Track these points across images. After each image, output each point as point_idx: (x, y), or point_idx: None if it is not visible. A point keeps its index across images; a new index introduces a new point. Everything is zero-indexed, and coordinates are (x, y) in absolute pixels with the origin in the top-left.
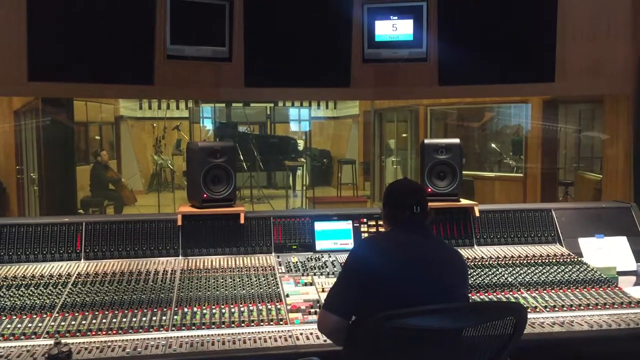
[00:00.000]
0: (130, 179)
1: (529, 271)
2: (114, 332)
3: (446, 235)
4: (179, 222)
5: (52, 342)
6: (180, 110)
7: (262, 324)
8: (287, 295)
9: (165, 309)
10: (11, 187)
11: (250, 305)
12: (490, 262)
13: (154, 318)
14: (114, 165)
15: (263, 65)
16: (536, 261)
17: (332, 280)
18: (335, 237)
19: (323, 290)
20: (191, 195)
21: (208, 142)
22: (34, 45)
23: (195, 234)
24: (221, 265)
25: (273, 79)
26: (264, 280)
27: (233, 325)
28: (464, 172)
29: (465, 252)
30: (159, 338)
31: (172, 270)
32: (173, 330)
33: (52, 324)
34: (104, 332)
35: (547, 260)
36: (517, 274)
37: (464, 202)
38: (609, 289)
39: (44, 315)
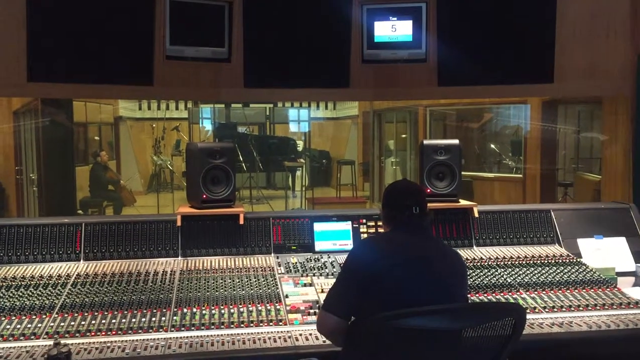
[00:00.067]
0: (130, 180)
1: (528, 272)
2: (114, 332)
3: (445, 236)
4: (179, 223)
5: (51, 342)
6: (179, 110)
7: (261, 324)
8: (287, 296)
9: (164, 310)
10: (10, 187)
11: (249, 305)
12: (490, 263)
13: (154, 319)
14: (113, 165)
15: (262, 66)
16: (535, 262)
17: (332, 281)
18: (335, 238)
19: (322, 291)
20: (190, 195)
21: (207, 143)
22: (34, 46)
23: (194, 234)
24: (220, 265)
25: (272, 80)
26: (264, 280)
27: (232, 325)
28: (463, 173)
29: (464, 253)
30: (158, 339)
31: (171, 271)
32: (172, 330)
33: (52, 324)
34: (104, 333)
35: (546, 261)
36: (516, 275)
37: (463, 202)
38: (608, 289)
39: (44, 316)
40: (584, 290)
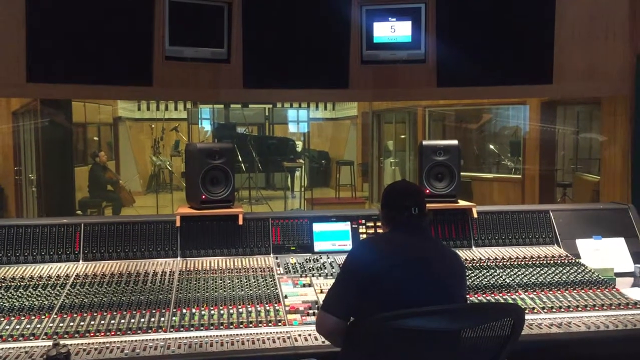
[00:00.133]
0: (129, 180)
1: (526, 272)
2: (113, 333)
3: (444, 237)
4: (178, 223)
5: (50, 343)
6: (178, 111)
7: (260, 325)
8: (286, 297)
9: (163, 310)
10: (9, 188)
11: (248, 306)
12: (488, 264)
13: (153, 319)
14: (113, 166)
15: (262, 67)
16: (534, 262)
17: (331, 282)
18: (334, 239)
19: (321, 292)
20: (190, 196)
21: (207, 144)
22: (33, 46)
23: (193, 235)
24: (220, 266)
25: (271, 81)
26: (263, 281)
27: (231, 326)
28: (462, 174)
29: (463, 254)
30: (157, 339)
31: (170, 272)
32: (171, 331)
33: (51, 325)
34: (103, 334)
35: (544, 262)
36: (515, 275)
37: (462, 203)
38: (607, 290)
39: (43, 317)
40: (583, 291)
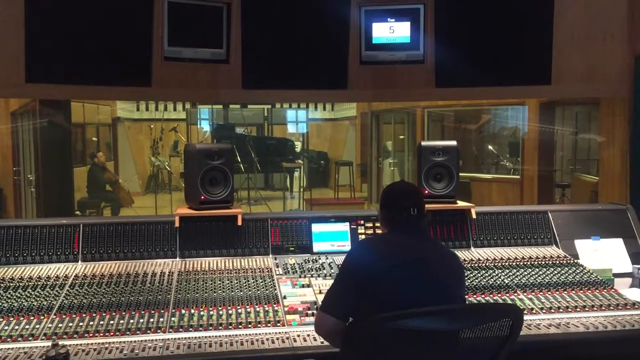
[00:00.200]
0: (128, 181)
1: (525, 273)
2: (112, 333)
3: (443, 237)
4: (177, 224)
5: (49, 343)
6: (177, 111)
7: (259, 325)
8: (285, 297)
9: (162, 311)
10: (8, 188)
11: (247, 307)
12: (487, 264)
13: (152, 320)
14: (111, 166)
15: (260, 67)
16: (532, 263)
17: (330, 282)
18: (333, 239)
19: (320, 292)
20: (189, 197)
21: (205, 144)
22: (32, 46)
23: (192, 235)
24: (218, 267)
25: (270, 81)
26: (261, 282)
27: (230, 327)
28: (461, 174)
29: (462, 254)
30: (156, 340)
31: (169, 272)
32: (170, 332)
33: (50, 325)
34: (102, 334)
35: (543, 262)
36: (514, 276)
37: (460, 204)
38: (605, 290)
39: (42, 317)
40: (581, 292)
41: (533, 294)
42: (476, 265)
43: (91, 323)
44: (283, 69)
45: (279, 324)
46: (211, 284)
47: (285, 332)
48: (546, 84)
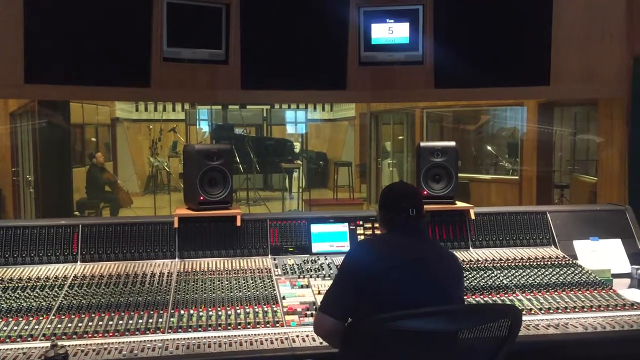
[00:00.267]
0: (126, 181)
1: (524, 273)
2: (111, 334)
3: (442, 238)
4: (176, 225)
5: (48, 344)
6: (176, 112)
7: (258, 326)
8: (284, 298)
9: (161, 311)
10: (7, 189)
11: (246, 307)
12: (486, 265)
13: (151, 320)
14: (110, 167)
15: (259, 68)
16: (531, 264)
17: (328, 283)
18: (332, 240)
19: (319, 293)
20: (188, 197)
21: (204, 145)
22: (31, 47)
23: (191, 236)
24: (217, 267)
25: (269, 82)
26: (260, 282)
27: (229, 327)
28: (459, 175)
29: (460, 255)
30: (155, 340)
31: (168, 273)
32: (169, 332)
33: (49, 326)
34: (101, 335)
35: (542, 263)
36: (512, 277)
37: (459, 204)
38: (604, 291)
39: (41, 318)
40: (580, 292)
41: (532, 294)
42: (475, 265)
43: (90, 323)
44: (282, 70)
45: (278, 325)
46: (210, 284)
47: (284, 333)
48: (545, 84)
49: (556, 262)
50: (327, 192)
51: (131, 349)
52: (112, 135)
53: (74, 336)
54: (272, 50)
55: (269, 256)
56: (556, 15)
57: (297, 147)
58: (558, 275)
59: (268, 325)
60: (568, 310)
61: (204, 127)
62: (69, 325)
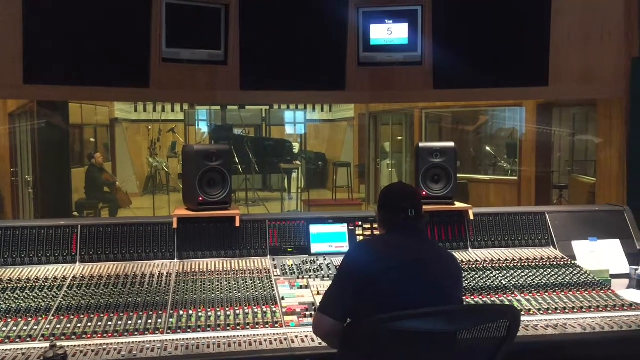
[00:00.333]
0: (125, 182)
1: (522, 274)
2: (110, 335)
3: (441, 238)
4: (175, 225)
5: (47, 345)
6: (175, 112)
7: (257, 326)
8: (283, 298)
9: (160, 312)
10: (6, 189)
11: (245, 308)
12: (485, 265)
13: (150, 321)
14: (109, 167)
15: (259, 69)
16: (530, 264)
17: (328, 283)
18: (331, 240)
19: (318, 293)
20: (187, 198)
21: (203, 145)
22: (30, 47)
23: (190, 236)
24: (217, 268)
25: (269, 82)
26: (260, 283)
27: (228, 328)
28: (458, 175)
29: (459, 255)
30: (154, 341)
31: (167, 273)
32: (168, 333)
33: (48, 326)
34: (100, 335)
35: (540, 263)
36: (511, 277)
37: (458, 205)
38: (602, 291)
39: (40, 318)
40: (579, 293)
41: (530, 295)
42: (474, 266)
43: (89, 324)
44: (281, 70)
45: (277, 325)
46: (209, 285)
47: (284, 333)
48: (543, 85)
49: (555, 263)
50: (326, 193)
51: (130, 349)
52: (111, 136)
53: (73, 337)
54: (271, 50)
55: (268, 257)
56: (555, 16)
57: (296, 147)
58: (557, 275)
59: (267, 326)
60: (567, 311)
61: (203, 127)
62: (68, 325)
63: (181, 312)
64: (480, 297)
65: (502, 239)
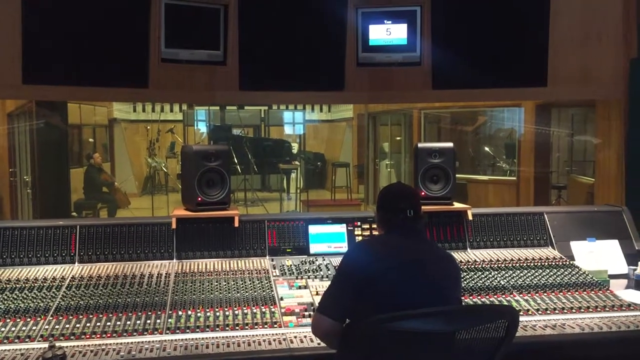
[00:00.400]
0: (124, 182)
1: (521, 274)
2: (108, 335)
3: (439, 239)
4: (174, 225)
5: (46, 345)
6: (174, 112)
7: (256, 327)
8: (282, 299)
9: (159, 312)
10: (4, 190)
11: (244, 308)
12: (483, 266)
13: (149, 321)
14: (108, 168)
15: (257, 69)
16: (528, 264)
17: (326, 284)
18: (330, 241)
19: (317, 294)
20: (186, 198)
21: (202, 146)
22: (29, 47)
23: (189, 237)
24: (215, 268)
25: (267, 83)
26: (258, 283)
27: (227, 328)
28: (457, 176)
29: (458, 256)
30: (153, 341)
31: (166, 274)
32: (167, 333)
33: (47, 327)
34: (98, 336)
35: (539, 264)
36: (510, 277)
37: (457, 205)
38: (601, 292)
39: (38, 319)
40: (577, 293)
41: (529, 295)
42: (472, 266)
43: (88, 324)
44: (280, 71)
45: (275, 326)
46: (208, 285)
47: (282, 334)
48: (542, 85)
49: (553, 263)
50: (325, 193)
51: (129, 349)
52: (109, 136)
53: (72, 337)
54: (270, 51)
55: (267, 257)
56: (553, 17)
57: (295, 148)
58: (555, 276)
59: (266, 326)
60: (565, 311)
61: (202, 127)
62: (67, 326)
63: (180, 313)
64: (479, 297)
65: (501, 240)
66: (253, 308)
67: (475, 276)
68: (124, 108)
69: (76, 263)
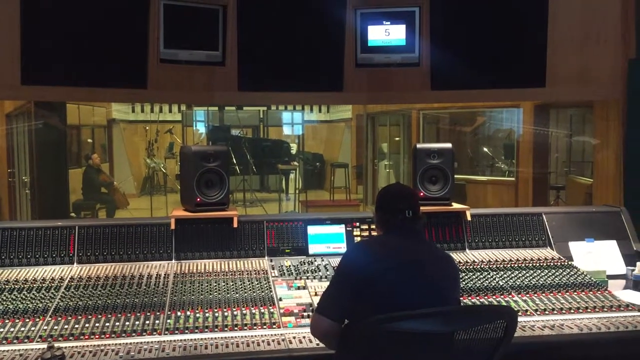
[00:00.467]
0: (123, 183)
1: (519, 275)
2: (107, 336)
3: (438, 239)
4: (172, 226)
5: (45, 346)
6: (173, 113)
7: (255, 327)
8: (280, 299)
9: (158, 313)
10: (3, 190)
11: (243, 308)
12: (482, 266)
13: (147, 322)
14: (107, 168)
15: (256, 70)
16: (527, 265)
17: (325, 284)
18: (328, 241)
19: (316, 294)
20: (184, 199)
21: (201, 146)
22: (28, 48)
23: (188, 237)
24: (214, 269)
25: (266, 83)
26: (257, 283)
27: (226, 329)
28: (456, 176)
29: (456, 256)
30: (152, 342)
31: (165, 274)
32: (166, 334)
33: (45, 328)
34: (97, 336)
35: (537, 264)
36: (508, 278)
37: (456, 206)
38: (599, 292)
39: (37, 319)
40: (575, 293)
41: (527, 295)
42: (471, 267)
43: (87, 325)
44: (278, 71)
45: (274, 326)
46: (207, 286)
47: (281, 334)
48: (541, 86)
49: (552, 264)
50: (324, 194)
51: (128, 350)
52: (108, 137)
53: (71, 338)
54: (269, 51)
55: (266, 257)
56: (552, 17)
57: (294, 148)
58: (554, 276)
59: (265, 327)
60: (563, 312)
61: (201, 128)
62: (66, 326)
63: (179, 313)
64: (478, 297)
65: (500, 240)
66: (252, 308)
67: (474, 277)
68: (123, 108)
69: (75, 263)
